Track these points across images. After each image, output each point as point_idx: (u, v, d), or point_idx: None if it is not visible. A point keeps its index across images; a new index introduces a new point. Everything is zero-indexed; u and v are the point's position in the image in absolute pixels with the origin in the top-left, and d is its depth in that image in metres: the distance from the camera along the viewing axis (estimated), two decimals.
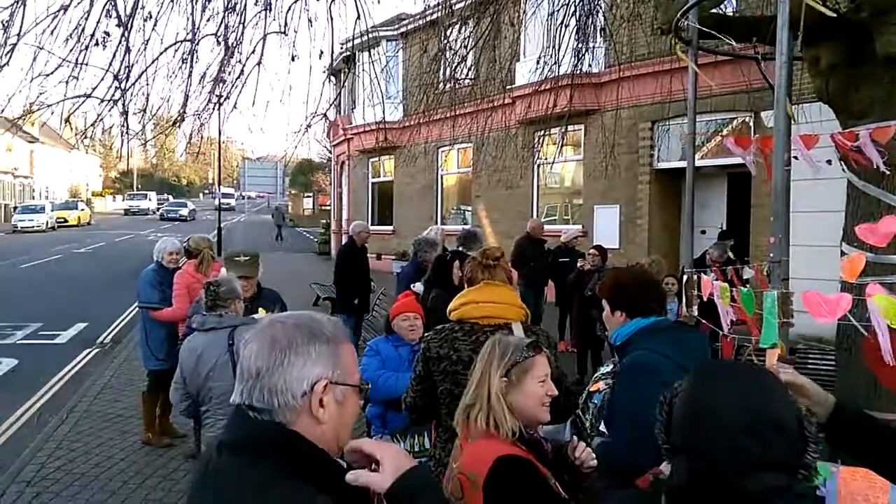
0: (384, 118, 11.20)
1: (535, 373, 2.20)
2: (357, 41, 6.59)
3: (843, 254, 4.47)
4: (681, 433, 1.25)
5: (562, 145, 11.44)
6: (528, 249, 9.66)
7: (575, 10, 7.88)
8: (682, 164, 8.40)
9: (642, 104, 12.53)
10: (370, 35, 7.80)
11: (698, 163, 10.40)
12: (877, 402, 4.37)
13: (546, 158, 12.93)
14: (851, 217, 4.46)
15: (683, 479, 1.26)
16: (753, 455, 1.16)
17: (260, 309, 4.39)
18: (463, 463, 2.09)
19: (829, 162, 5.01)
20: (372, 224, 21.40)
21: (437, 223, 17.90)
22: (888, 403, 4.38)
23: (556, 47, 8.27)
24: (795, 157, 4.31)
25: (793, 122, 3.85)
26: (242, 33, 5.89)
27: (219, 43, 5.86)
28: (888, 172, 3.90)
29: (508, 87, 11.09)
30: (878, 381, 4.09)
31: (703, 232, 12.58)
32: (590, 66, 9.57)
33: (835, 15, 3.43)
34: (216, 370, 3.56)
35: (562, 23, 8.05)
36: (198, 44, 5.91)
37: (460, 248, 6.53)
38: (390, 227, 21.51)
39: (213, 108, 6.28)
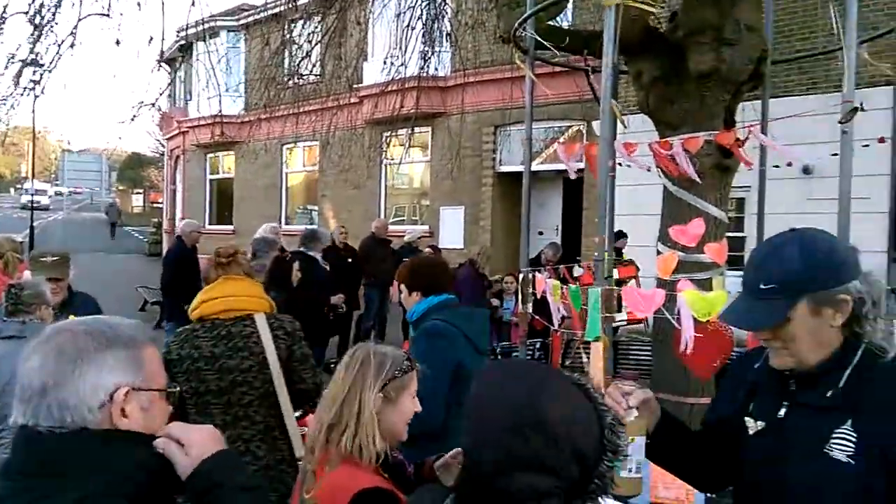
0: (220, 111, 10.63)
1: (412, 389, 2.04)
2: (193, 30, 6.20)
3: (658, 253, 4.88)
4: (463, 434, 1.23)
5: (409, 146, 11.54)
6: (374, 249, 9.61)
7: (421, 14, 7.97)
8: (523, 168, 8.91)
9: (486, 109, 12.96)
10: (208, 24, 7.38)
11: (536, 167, 10.94)
12: (689, 389, 4.81)
13: (393, 159, 12.98)
14: (666, 219, 4.84)
15: (459, 479, 1.27)
16: (514, 454, 1.12)
17: (71, 315, 3.96)
18: (319, 496, 1.85)
19: (648, 169, 5.45)
20: (210, 224, 20.28)
21: (281, 223, 17.36)
22: (698, 389, 4.84)
23: (403, 49, 8.32)
24: (620, 164, 4.63)
25: (621, 129, 4.13)
26: (56, 13, 5.34)
27: (30, 22, 5.28)
28: (697, 180, 4.28)
29: (356, 85, 10.99)
30: (688, 369, 4.51)
31: (541, 233, 13.26)
32: (436, 69, 9.75)
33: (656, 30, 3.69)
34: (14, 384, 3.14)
35: (408, 25, 8.10)
36: (4, 22, 5.30)
37: (301, 249, 6.35)
38: (231, 227, 20.51)
39: (24, 94, 5.64)
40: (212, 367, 2.82)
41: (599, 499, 1.18)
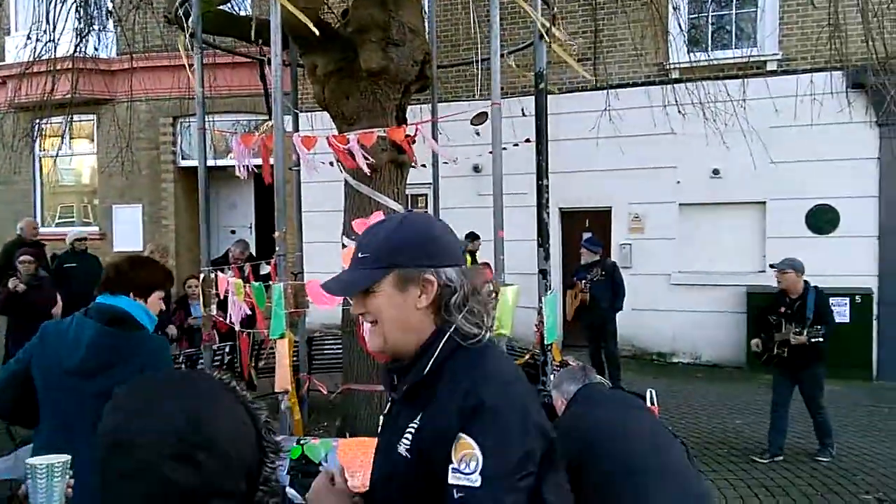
0: None
1: None
2: None
3: (343, 246, 4.95)
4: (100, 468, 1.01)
5: (69, 137, 10.08)
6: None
7: None
8: (208, 162, 8.19)
9: (161, 98, 11.91)
10: None
11: (225, 162, 10.37)
12: (378, 377, 4.97)
13: (49, 151, 11.23)
14: (349, 213, 4.93)
15: None
16: (184, 485, 0.96)
17: None
18: None
19: (331, 164, 5.50)
20: None
21: None
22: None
23: (53, 24, 7.20)
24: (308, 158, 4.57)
25: (307, 123, 4.07)
26: None
27: None
28: (369, 174, 4.42)
29: None
30: (374, 359, 4.67)
31: (233, 231, 12.69)
32: (96, 50, 8.65)
33: (317, 32, 3.68)
34: None
35: None
36: None
37: None
38: None
39: None
40: None
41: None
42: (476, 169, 10.13)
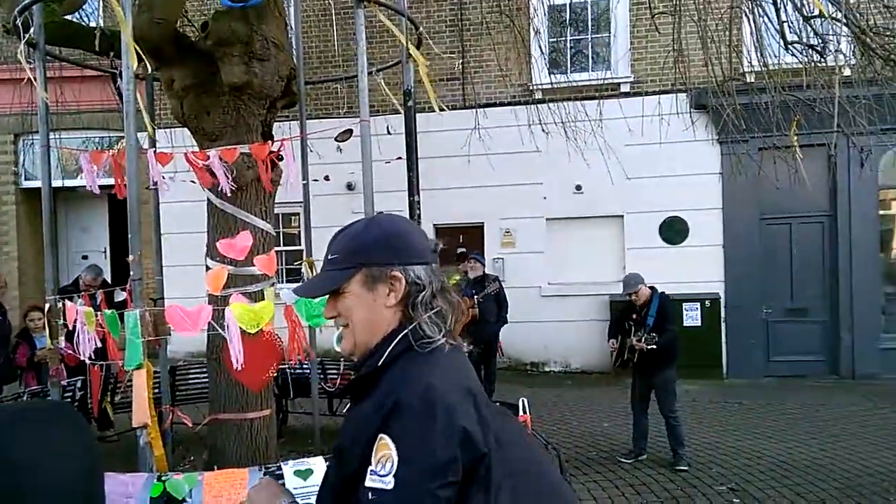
0: None
1: None
2: None
3: (208, 268, 4.72)
4: None
5: None
6: None
7: None
8: (56, 183, 7.47)
9: (1, 114, 10.90)
10: None
11: (76, 182, 9.61)
12: (248, 405, 4.75)
13: None
14: (213, 233, 4.71)
15: None
16: None
17: None
18: None
19: (192, 182, 5.23)
20: None
21: None
22: (257, 403, 4.82)
23: None
24: (169, 178, 4.31)
25: (165, 140, 3.83)
26: None
27: None
28: (229, 193, 4.24)
29: None
30: (243, 384, 4.46)
31: (85, 257, 11.77)
32: None
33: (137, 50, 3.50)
34: None
35: None
36: None
37: None
38: None
39: None
40: None
41: None
42: (349, 186, 10.05)
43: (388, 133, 8.54)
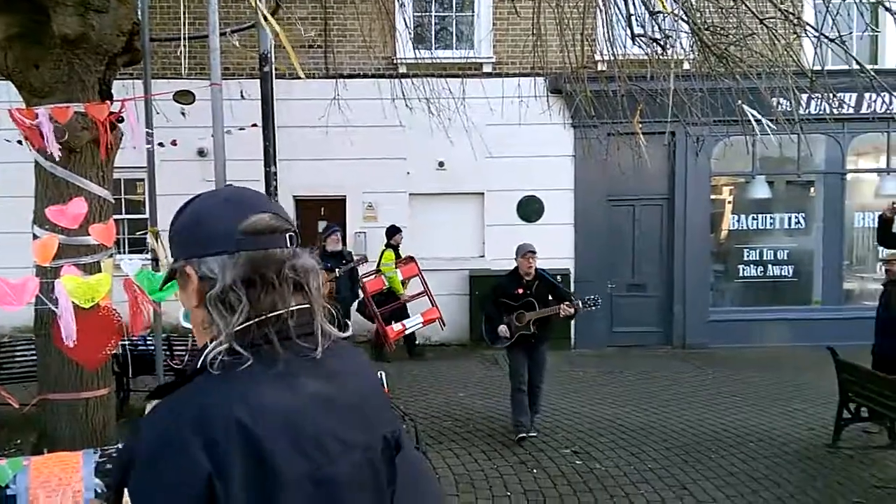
0: None
1: None
2: None
3: (35, 237, 4.29)
4: None
5: None
6: None
7: None
8: None
9: None
10: None
11: None
12: (82, 384, 4.40)
13: None
14: (41, 200, 4.29)
15: None
16: None
17: None
18: None
19: (19, 143, 4.72)
20: None
21: None
22: (93, 382, 4.48)
23: None
24: None
25: None
26: None
27: None
28: (57, 156, 3.88)
29: None
30: (76, 362, 4.13)
31: None
32: None
33: None
34: None
35: None
36: None
37: None
38: None
39: None
40: None
41: None
42: (201, 153, 9.53)
43: (242, 98, 8.18)
